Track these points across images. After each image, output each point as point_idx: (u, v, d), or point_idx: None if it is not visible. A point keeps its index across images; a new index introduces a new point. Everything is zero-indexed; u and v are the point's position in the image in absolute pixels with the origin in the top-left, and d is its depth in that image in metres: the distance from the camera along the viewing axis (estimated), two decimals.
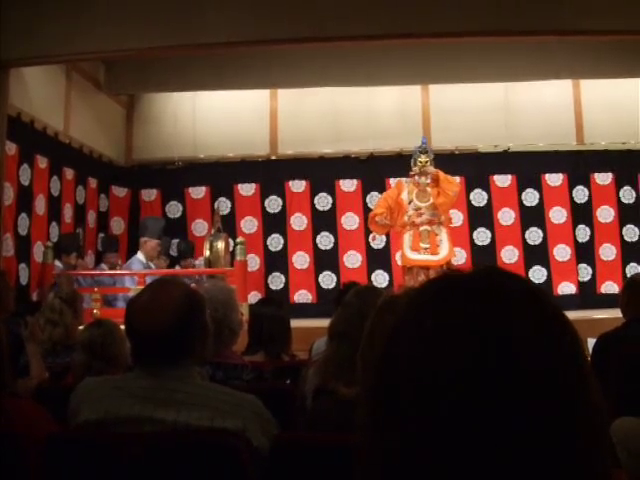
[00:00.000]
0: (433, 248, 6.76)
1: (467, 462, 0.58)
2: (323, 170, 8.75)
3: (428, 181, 6.80)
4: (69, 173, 7.47)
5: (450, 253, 6.91)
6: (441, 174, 6.79)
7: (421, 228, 6.79)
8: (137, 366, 1.87)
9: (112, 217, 8.63)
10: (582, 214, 8.64)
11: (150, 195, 8.90)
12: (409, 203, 6.84)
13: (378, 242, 8.59)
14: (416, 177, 6.85)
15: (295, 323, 3.96)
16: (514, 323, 0.62)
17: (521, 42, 6.94)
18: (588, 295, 8.44)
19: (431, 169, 6.79)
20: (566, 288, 8.53)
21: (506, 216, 8.71)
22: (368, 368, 1.37)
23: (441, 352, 0.61)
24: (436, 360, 0.61)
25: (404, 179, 7.09)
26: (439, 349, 0.61)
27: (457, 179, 7.17)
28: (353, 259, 8.69)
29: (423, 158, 6.83)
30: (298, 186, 8.82)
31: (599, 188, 8.69)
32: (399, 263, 8.43)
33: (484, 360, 0.59)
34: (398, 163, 8.67)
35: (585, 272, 8.60)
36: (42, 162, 6.83)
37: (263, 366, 3.04)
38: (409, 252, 6.82)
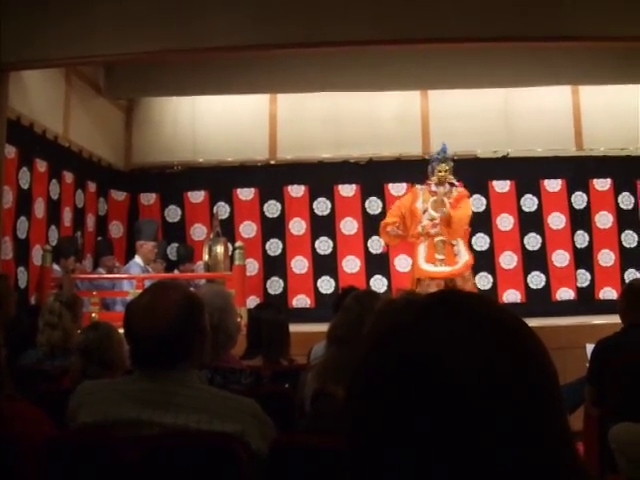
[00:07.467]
0: (449, 259, 6.52)
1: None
2: (322, 175, 8.74)
3: (446, 190, 6.64)
4: (68, 177, 7.46)
5: (468, 264, 6.65)
6: (454, 217, 6.54)
7: (436, 239, 6.55)
8: (136, 369, 1.87)
9: (111, 221, 8.62)
10: (581, 220, 8.63)
11: (149, 199, 8.90)
12: (423, 212, 6.61)
13: (377, 247, 8.59)
14: (433, 185, 6.70)
15: (294, 328, 3.96)
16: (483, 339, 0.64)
17: (521, 48, 6.94)
18: (587, 301, 8.42)
19: (445, 211, 6.50)
20: (565, 294, 8.52)
21: (505, 221, 8.70)
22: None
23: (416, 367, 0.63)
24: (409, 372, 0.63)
25: (418, 186, 6.95)
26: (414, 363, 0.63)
27: (470, 202, 6.97)
28: (352, 264, 8.68)
29: (443, 167, 6.66)
30: (297, 191, 8.82)
31: (598, 194, 8.68)
32: (399, 270, 8.46)
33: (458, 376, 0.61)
34: (397, 168, 8.69)
35: (584, 278, 8.59)
36: (41, 166, 6.82)
37: (262, 370, 3.04)
38: (423, 264, 6.53)
